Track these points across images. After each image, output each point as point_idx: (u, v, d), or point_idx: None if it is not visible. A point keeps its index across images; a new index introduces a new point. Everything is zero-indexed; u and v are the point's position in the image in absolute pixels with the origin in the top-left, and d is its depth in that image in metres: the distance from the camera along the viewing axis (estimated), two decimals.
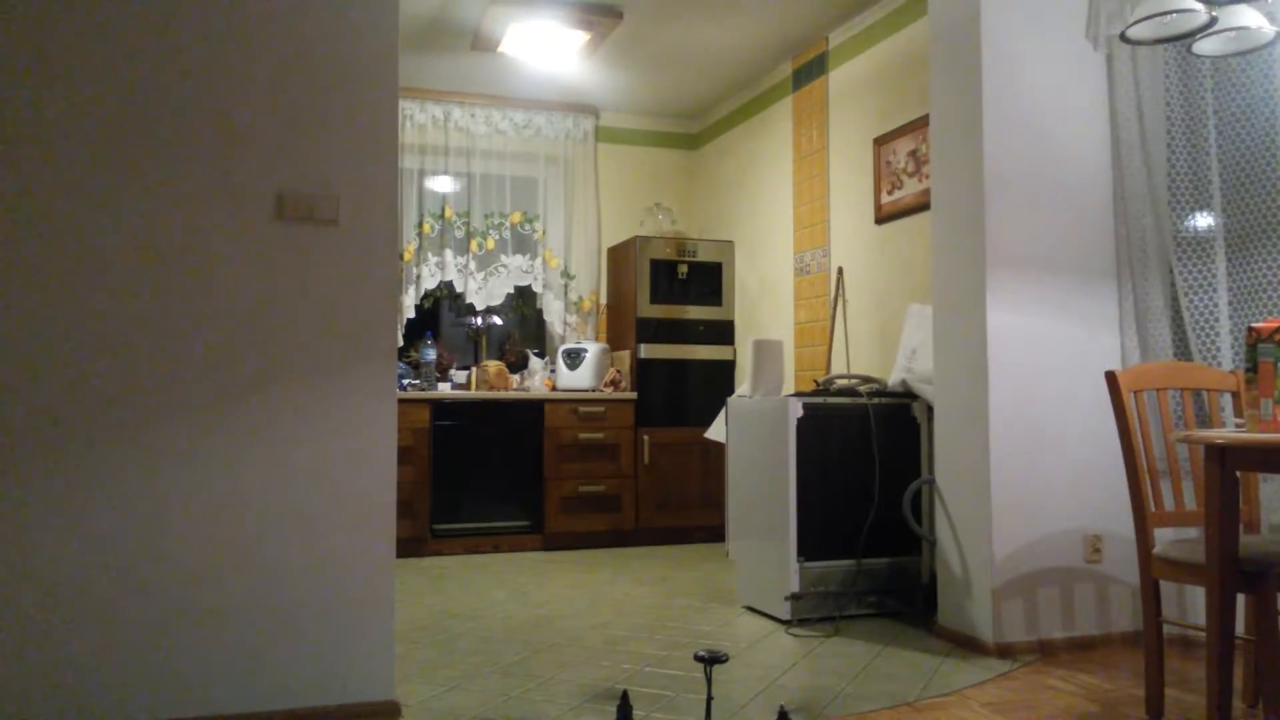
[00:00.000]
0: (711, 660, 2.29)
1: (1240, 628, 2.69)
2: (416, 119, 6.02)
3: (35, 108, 2.43)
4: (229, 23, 2.59)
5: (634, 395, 5.76)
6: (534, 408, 5.59)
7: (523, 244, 6.26)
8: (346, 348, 2.66)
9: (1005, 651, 3.25)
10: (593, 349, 5.83)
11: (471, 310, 6.18)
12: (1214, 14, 2.80)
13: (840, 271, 5.08)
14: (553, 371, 6.03)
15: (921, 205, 4.41)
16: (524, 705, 2.73)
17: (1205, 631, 2.33)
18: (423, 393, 5.44)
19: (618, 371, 5.88)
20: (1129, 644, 3.38)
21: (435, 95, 6.05)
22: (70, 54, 2.46)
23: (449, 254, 6.03)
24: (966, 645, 3.36)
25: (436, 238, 6.04)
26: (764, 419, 3.84)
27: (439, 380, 5.76)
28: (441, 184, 6.08)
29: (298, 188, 2.63)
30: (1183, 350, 3.41)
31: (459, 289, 6.10)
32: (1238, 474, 2.29)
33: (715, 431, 5.19)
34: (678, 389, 5.87)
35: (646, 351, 5.82)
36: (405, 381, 5.55)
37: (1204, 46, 2.99)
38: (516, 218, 6.24)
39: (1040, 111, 3.41)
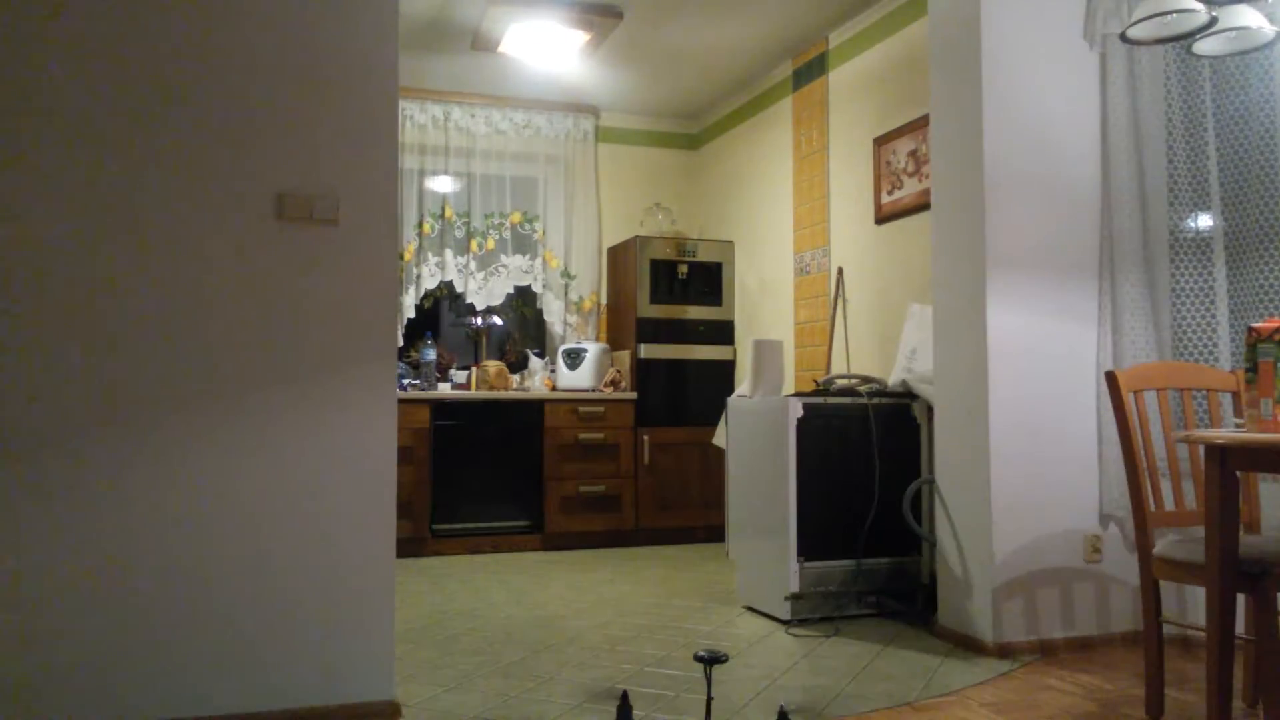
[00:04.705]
0: (711, 660, 2.29)
1: (1240, 628, 2.69)
2: (416, 119, 6.02)
3: (34, 109, 2.43)
4: (229, 23, 2.59)
5: (634, 395, 5.76)
6: (534, 408, 5.59)
7: (523, 244, 6.26)
8: (346, 348, 2.66)
9: (1005, 651, 3.26)
10: (593, 349, 5.83)
11: (471, 310, 6.18)
12: (1214, 14, 2.80)
13: (840, 271, 5.08)
14: (553, 371, 6.03)
15: (921, 205, 4.41)
16: (524, 705, 2.73)
17: (1205, 631, 2.33)
18: (423, 393, 5.44)
19: (618, 371, 5.88)
20: (1129, 644, 3.38)
21: (435, 95, 6.05)
22: (69, 55, 2.46)
23: (449, 254, 6.03)
24: (966, 645, 3.36)
25: (436, 238, 6.04)
26: (764, 419, 3.84)
27: (439, 380, 5.76)
28: (441, 184, 6.08)
29: (298, 188, 2.63)
30: (1164, 349, 3.41)
31: (459, 289, 6.10)
32: (1238, 474, 2.29)
33: (721, 438, 5.19)
34: (678, 389, 5.87)
35: (646, 351, 5.82)
36: (405, 381, 5.55)
37: (1204, 46, 2.99)
38: (516, 218, 6.24)
39: (1040, 111, 3.41)
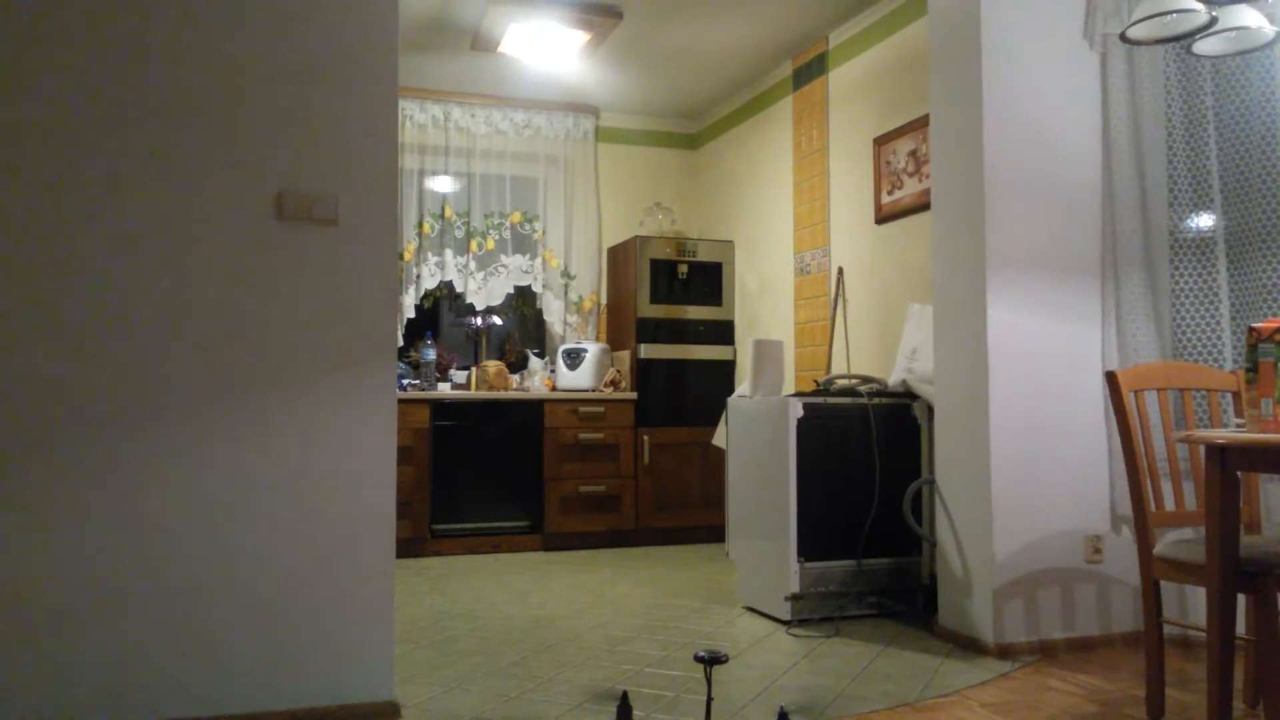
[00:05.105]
0: (711, 661, 2.29)
1: (1240, 628, 2.69)
2: (416, 119, 6.02)
3: (34, 107, 2.43)
4: (229, 22, 2.59)
5: (634, 395, 5.76)
6: (534, 408, 5.59)
7: (523, 244, 6.26)
8: (346, 348, 2.66)
9: (1005, 652, 3.25)
10: (593, 349, 5.83)
11: (471, 310, 6.18)
12: (1214, 14, 2.80)
13: (840, 271, 5.08)
14: (553, 371, 6.03)
15: (921, 205, 4.40)
16: (524, 705, 2.73)
17: (1205, 631, 2.33)
18: (423, 393, 5.44)
19: (617, 371, 5.87)
20: (1129, 644, 3.37)
21: (435, 95, 6.05)
22: (69, 53, 2.46)
23: (449, 254, 6.03)
24: (967, 646, 3.35)
25: (436, 238, 6.04)
26: (764, 419, 3.84)
27: (439, 380, 5.75)
28: (441, 184, 6.08)
29: (298, 188, 2.63)
30: (1166, 349, 3.41)
31: (459, 289, 6.10)
32: (1238, 474, 2.29)
33: (721, 438, 5.18)
34: (678, 389, 5.87)
35: (646, 351, 5.82)
36: (405, 381, 5.55)
37: (1204, 46, 2.99)
38: (516, 218, 6.24)
39: (1041, 111, 3.41)
